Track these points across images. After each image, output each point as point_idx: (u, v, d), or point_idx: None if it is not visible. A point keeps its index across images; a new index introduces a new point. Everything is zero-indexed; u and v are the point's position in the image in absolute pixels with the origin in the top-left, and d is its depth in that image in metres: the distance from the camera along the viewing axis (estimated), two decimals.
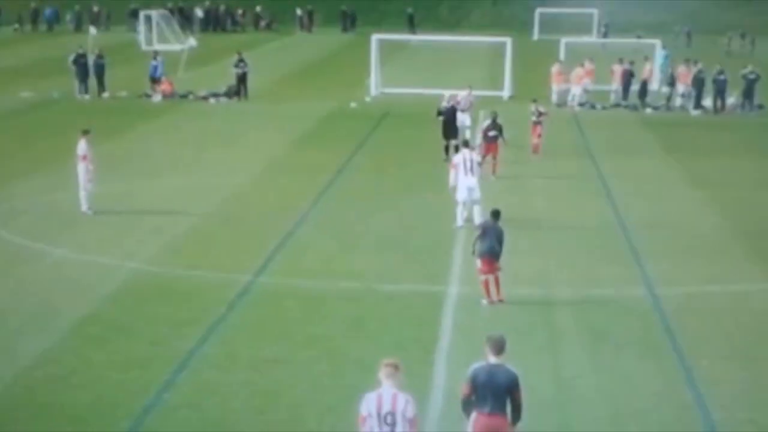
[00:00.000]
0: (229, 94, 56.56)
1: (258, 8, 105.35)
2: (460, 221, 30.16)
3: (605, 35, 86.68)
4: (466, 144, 32.39)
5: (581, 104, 55.38)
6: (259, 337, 21.91)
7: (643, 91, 55.63)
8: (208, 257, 27.38)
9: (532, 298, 24.60)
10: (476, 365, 15.29)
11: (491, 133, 37.00)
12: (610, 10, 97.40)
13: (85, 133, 31.43)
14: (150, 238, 29.02)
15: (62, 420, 17.94)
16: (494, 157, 36.60)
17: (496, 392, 15.01)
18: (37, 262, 26.92)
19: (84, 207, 30.97)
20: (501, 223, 24.32)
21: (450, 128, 39.46)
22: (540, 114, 41.49)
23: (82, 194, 30.99)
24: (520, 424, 15.26)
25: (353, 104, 55.01)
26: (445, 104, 39.98)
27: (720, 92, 54.63)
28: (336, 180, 36.71)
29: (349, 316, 22.98)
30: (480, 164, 32.03)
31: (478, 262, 23.96)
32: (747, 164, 40.76)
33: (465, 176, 30.05)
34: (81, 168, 30.82)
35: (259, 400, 18.84)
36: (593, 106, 55.26)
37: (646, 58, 59.24)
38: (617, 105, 55.73)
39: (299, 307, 23.78)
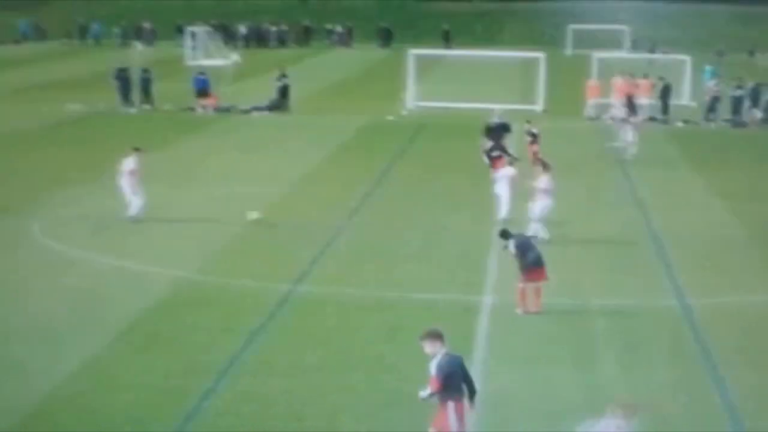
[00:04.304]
0: (270, 107, 56.59)
1: (329, 25, 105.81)
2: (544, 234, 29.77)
3: (652, 51, 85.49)
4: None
5: (612, 118, 55.02)
6: (297, 344, 21.69)
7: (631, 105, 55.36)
8: (249, 266, 27.21)
9: (564, 307, 24.28)
10: (440, 359, 15.49)
11: (494, 153, 36.29)
12: (639, 27, 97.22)
13: (137, 150, 31.44)
14: (192, 247, 28.92)
15: (105, 427, 17.77)
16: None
17: (460, 377, 15.56)
18: (83, 270, 26.83)
19: (132, 213, 30.97)
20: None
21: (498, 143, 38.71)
22: (533, 135, 40.79)
23: (133, 203, 31.01)
24: None
25: (390, 117, 54.95)
26: (496, 120, 39.43)
27: (736, 106, 54.58)
28: (374, 190, 36.55)
29: (385, 325, 22.73)
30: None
31: (526, 273, 23.64)
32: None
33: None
34: (126, 181, 30.81)
35: (298, 407, 18.62)
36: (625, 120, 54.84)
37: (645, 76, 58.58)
38: (650, 119, 55.38)
39: (336, 315, 23.58)
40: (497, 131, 39.13)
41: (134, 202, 31.05)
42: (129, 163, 30.98)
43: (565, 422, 18.25)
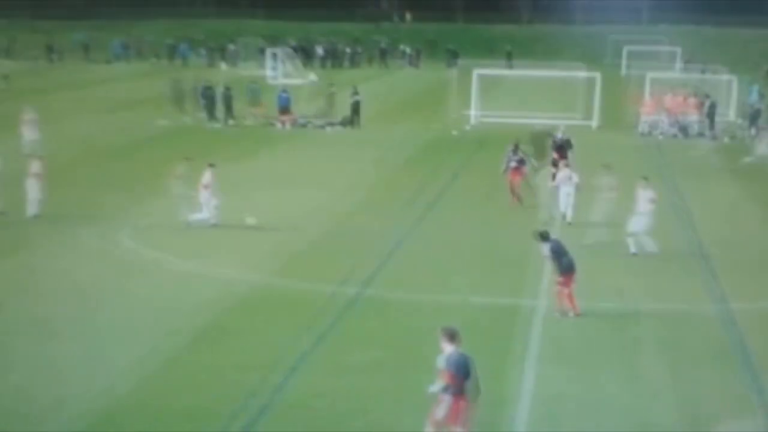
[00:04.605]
0: (343, 123, 56.76)
1: (401, 46, 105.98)
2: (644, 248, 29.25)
3: (703, 72, 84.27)
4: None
5: (662, 133, 54.71)
6: (363, 344, 21.78)
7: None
8: (320, 270, 27.31)
9: (613, 311, 24.25)
10: (451, 355, 15.66)
11: (512, 163, 35.72)
12: (690, 49, 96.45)
13: (211, 165, 31.78)
14: (268, 252, 29.09)
15: (183, 419, 17.94)
16: (517, 185, 35.47)
17: (466, 377, 15.59)
18: (165, 274, 27.10)
19: (192, 218, 31.32)
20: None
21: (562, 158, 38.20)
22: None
23: (203, 212, 31.41)
24: None
25: (455, 132, 54.93)
26: (560, 136, 39.18)
27: None
28: (438, 201, 36.59)
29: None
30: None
31: (561, 278, 23.62)
32: None
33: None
34: (204, 196, 31.21)
35: (364, 403, 18.72)
36: (675, 136, 54.53)
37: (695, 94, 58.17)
38: (697, 135, 55.05)
39: (401, 316, 23.67)
40: (562, 147, 38.78)
41: (204, 211, 31.44)
42: (205, 177, 31.34)
43: (610, 418, 18.30)
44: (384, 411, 18.44)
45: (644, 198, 29.22)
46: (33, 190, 32.65)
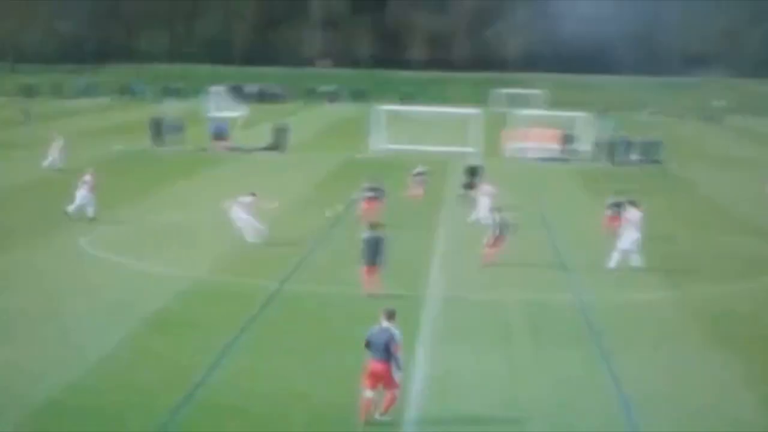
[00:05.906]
0: (270, 148, 56.35)
1: (324, 87, 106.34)
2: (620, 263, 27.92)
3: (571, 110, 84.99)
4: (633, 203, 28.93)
5: (527, 158, 55.51)
6: (282, 329, 21.40)
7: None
8: (247, 269, 26.83)
9: (488, 300, 24.18)
10: (374, 327, 16.39)
11: (366, 193, 34.87)
12: (552, 91, 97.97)
13: (253, 194, 30.66)
14: (205, 254, 28.48)
15: (133, 394, 17.33)
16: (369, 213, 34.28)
17: (379, 345, 16.15)
18: (117, 273, 26.27)
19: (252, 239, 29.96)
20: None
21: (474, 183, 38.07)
22: (421, 174, 40.57)
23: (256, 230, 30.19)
24: (399, 374, 16.35)
25: (359, 155, 54.85)
26: (472, 163, 39.17)
27: (620, 150, 56.27)
28: (346, 210, 36.18)
29: (349, 315, 22.31)
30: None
31: (365, 267, 23.91)
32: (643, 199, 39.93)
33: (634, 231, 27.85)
34: (241, 212, 30.18)
35: (283, 378, 18.30)
36: (536, 160, 55.34)
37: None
38: (555, 159, 55.93)
39: (313, 306, 23.35)
40: (475, 171, 39.15)
41: (256, 229, 30.17)
42: (246, 200, 30.27)
43: (484, 389, 18.13)
44: (297, 384, 17.98)
45: (631, 218, 28.17)
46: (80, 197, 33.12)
